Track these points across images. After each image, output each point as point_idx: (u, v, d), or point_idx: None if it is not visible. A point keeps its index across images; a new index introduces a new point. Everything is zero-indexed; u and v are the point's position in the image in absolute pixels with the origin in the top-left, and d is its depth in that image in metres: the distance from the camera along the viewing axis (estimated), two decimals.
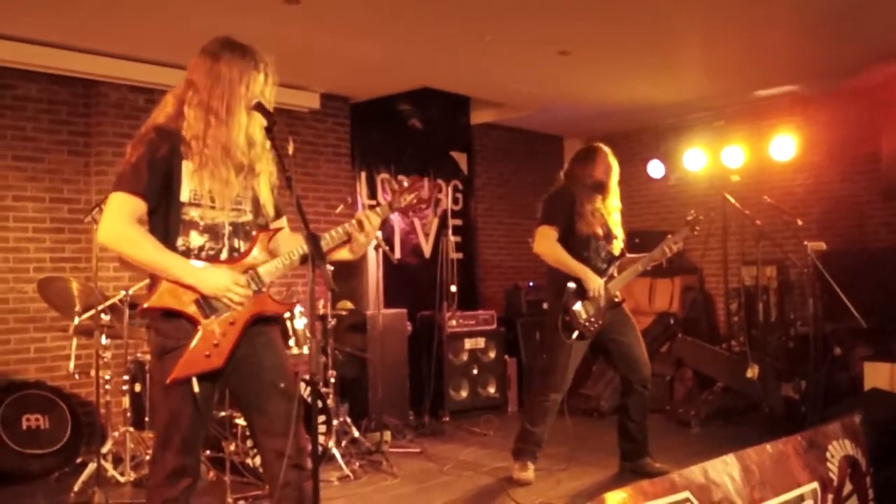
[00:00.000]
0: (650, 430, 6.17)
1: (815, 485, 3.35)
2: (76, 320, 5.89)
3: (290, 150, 3.37)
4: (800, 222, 7.16)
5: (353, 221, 3.55)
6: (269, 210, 3.51)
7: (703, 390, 8.22)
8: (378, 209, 3.65)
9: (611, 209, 6.02)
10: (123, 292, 5.83)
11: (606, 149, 6.10)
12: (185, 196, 3.28)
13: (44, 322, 7.00)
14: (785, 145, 8.83)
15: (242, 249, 3.39)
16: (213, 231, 3.33)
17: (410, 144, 9.66)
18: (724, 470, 3.09)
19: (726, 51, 7.65)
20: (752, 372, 7.38)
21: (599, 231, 5.87)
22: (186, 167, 3.27)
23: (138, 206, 3.21)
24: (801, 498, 3.29)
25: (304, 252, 3.40)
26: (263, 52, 3.52)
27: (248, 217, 3.44)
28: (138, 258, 3.22)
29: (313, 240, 3.14)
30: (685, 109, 9.76)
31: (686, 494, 2.91)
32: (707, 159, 9.32)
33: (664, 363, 8.81)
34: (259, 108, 3.31)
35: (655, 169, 9.86)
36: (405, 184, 3.77)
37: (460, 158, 10.26)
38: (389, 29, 6.83)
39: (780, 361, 7.90)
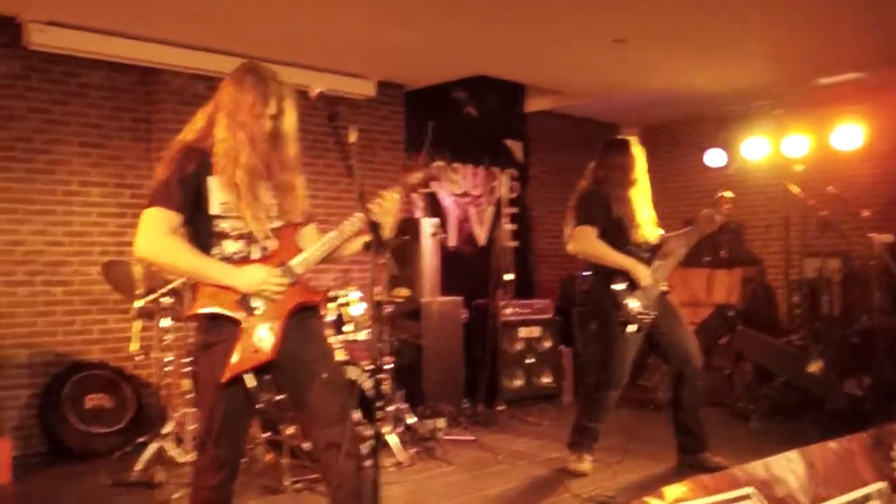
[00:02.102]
0: (709, 423, 6.11)
1: (882, 484, 3.28)
2: (138, 303, 5.97)
3: (353, 138, 3.38)
4: (865, 213, 7.02)
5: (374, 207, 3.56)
6: (297, 218, 3.59)
7: (762, 384, 8.11)
8: (392, 188, 3.66)
9: (643, 198, 5.91)
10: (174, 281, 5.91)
11: (627, 137, 6.08)
12: (214, 209, 3.39)
13: (107, 304, 7.11)
14: (850, 134, 8.65)
15: (273, 248, 3.48)
16: (245, 238, 3.44)
17: (465, 132, 9.64)
18: (788, 466, 3.05)
19: (788, 37, 7.52)
20: (815, 367, 7.26)
21: (637, 222, 5.79)
22: (213, 182, 3.38)
23: (173, 219, 3.32)
24: (867, 497, 3.22)
25: (335, 237, 3.51)
26: (283, 80, 3.56)
27: (278, 223, 3.52)
28: (177, 266, 3.39)
29: (375, 228, 3.17)
30: (746, 97, 9.60)
31: (749, 490, 2.87)
32: (768, 148, 9.18)
33: (723, 356, 8.70)
34: (322, 98, 3.36)
35: (714, 158, 9.73)
36: (418, 162, 3.80)
37: (515, 147, 10.23)
38: (445, 16, 6.81)
39: (844, 356, 7.74)
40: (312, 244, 3.55)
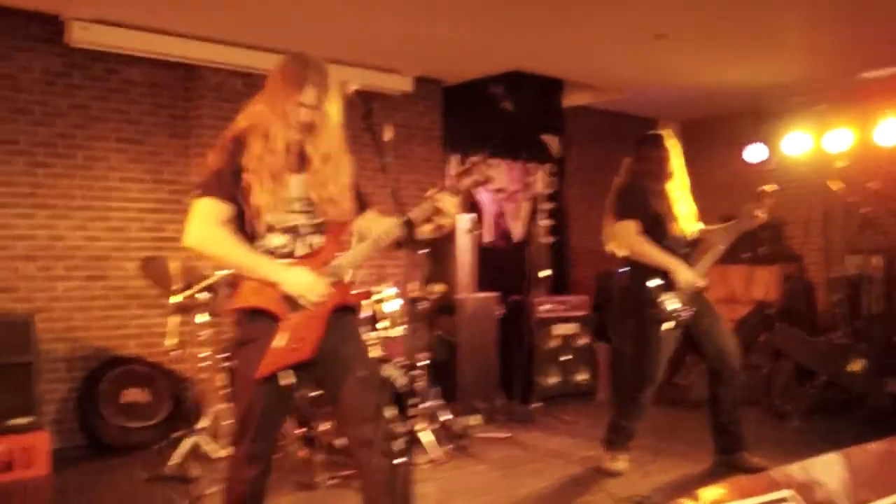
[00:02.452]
0: (747, 423, 6.04)
1: None
2: (175, 298, 6.01)
3: (389, 136, 3.38)
4: None
5: (432, 206, 3.55)
6: (347, 206, 3.57)
7: (802, 383, 8.01)
8: (444, 190, 3.63)
9: (681, 192, 5.86)
10: (221, 272, 5.91)
11: (663, 131, 6.00)
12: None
13: (144, 299, 7.17)
14: (893, 129, 8.53)
15: (318, 245, 3.47)
16: (291, 231, 3.44)
17: (502, 128, 9.60)
18: (828, 468, 3.00)
19: (830, 30, 7.40)
20: (856, 365, 7.16)
21: (675, 218, 5.74)
22: None
23: (223, 209, 3.34)
24: None
25: (380, 239, 3.49)
26: (328, 72, 3.51)
27: (325, 217, 3.51)
28: (225, 258, 3.41)
29: (408, 225, 3.16)
30: (787, 92, 9.48)
31: (787, 492, 2.83)
32: (809, 144, 9.07)
33: (761, 354, 8.60)
34: (358, 95, 3.36)
35: (754, 153, 9.66)
36: (467, 166, 3.76)
37: (552, 142, 10.18)
38: (482, 11, 6.79)
39: (886, 354, 7.63)
40: (375, 234, 3.53)
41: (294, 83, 3.41)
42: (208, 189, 3.35)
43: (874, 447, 3.20)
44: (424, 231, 3.59)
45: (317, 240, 3.48)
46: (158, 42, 7.04)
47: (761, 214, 5.82)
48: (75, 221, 6.90)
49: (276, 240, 3.41)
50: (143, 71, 7.26)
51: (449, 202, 3.55)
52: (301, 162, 3.46)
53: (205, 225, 3.31)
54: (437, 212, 3.54)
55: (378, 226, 3.61)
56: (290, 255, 3.41)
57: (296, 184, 3.44)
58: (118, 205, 7.13)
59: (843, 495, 2.95)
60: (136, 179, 7.23)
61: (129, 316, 7.17)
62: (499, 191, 9.66)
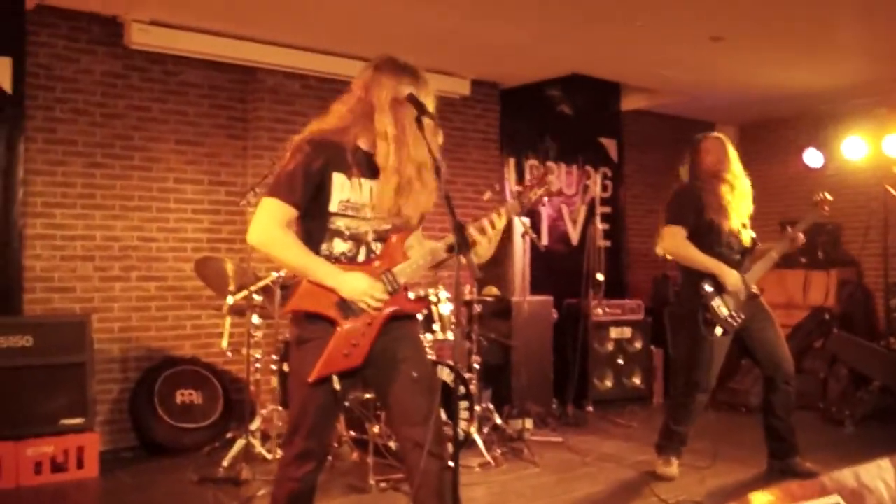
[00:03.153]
0: (801, 428, 5.99)
1: None
2: (230, 299, 6.08)
3: (440, 139, 3.38)
4: None
5: (481, 223, 3.52)
6: (415, 223, 3.56)
7: (858, 389, 7.92)
8: (506, 207, 3.63)
9: (739, 198, 5.78)
10: (276, 274, 5.96)
11: (717, 135, 5.95)
12: (334, 207, 3.37)
13: (200, 300, 7.23)
14: None
15: (378, 251, 3.46)
16: (356, 239, 3.43)
17: (559, 131, 9.59)
18: (878, 475, 2.97)
19: (889, 32, 7.27)
20: None
21: (729, 223, 5.68)
22: (338, 178, 3.36)
23: (290, 213, 3.33)
24: None
25: (442, 251, 3.48)
26: (423, 72, 3.53)
27: (390, 225, 3.49)
28: (285, 260, 3.40)
29: (459, 229, 3.16)
30: (845, 95, 9.36)
31: (836, 499, 2.82)
32: (868, 148, 8.96)
33: (818, 359, 8.52)
34: (411, 99, 3.34)
35: (812, 158, 9.56)
36: (532, 179, 3.74)
37: (610, 145, 10.14)
38: (539, 14, 6.78)
39: None
40: (417, 252, 3.53)
41: (392, 87, 3.41)
42: (279, 190, 3.34)
43: None
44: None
45: (378, 247, 3.47)
46: (216, 44, 7.12)
47: (800, 239, 5.81)
48: (132, 222, 6.98)
49: (341, 246, 3.41)
50: (200, 73, 7.34)
51: (497, 222, 3.54)
52: (376, 168, 3.42)
53: (268, 225, 3.32)
54: (482, 231, 3.51)
55: (419, 245, 3.60)
56: (352, 260, 3.41)
57: (370, 189, 3.42)
58: (175, 206, 7.20)
59: (892, 502, 2.92)
60: (192, 181, 7.29)
61: (183, 317, 7.24)
62: (557, 194, 9.64)
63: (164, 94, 7.16)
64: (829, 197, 5.88)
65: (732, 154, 5.83)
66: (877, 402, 7.69)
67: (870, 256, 9.49)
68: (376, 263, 3.42)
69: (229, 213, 7.39)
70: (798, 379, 5.95)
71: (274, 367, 6.33)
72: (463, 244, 3.16)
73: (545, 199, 3.84)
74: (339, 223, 3.39)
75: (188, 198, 7.27)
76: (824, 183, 9.45)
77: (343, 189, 3.36)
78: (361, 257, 3.43)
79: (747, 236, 5.81)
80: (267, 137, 7.49)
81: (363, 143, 3.42)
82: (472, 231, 3.49)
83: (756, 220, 5.92)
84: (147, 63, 7.06)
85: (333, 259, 3.38)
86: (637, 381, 8.79)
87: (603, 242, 8.76)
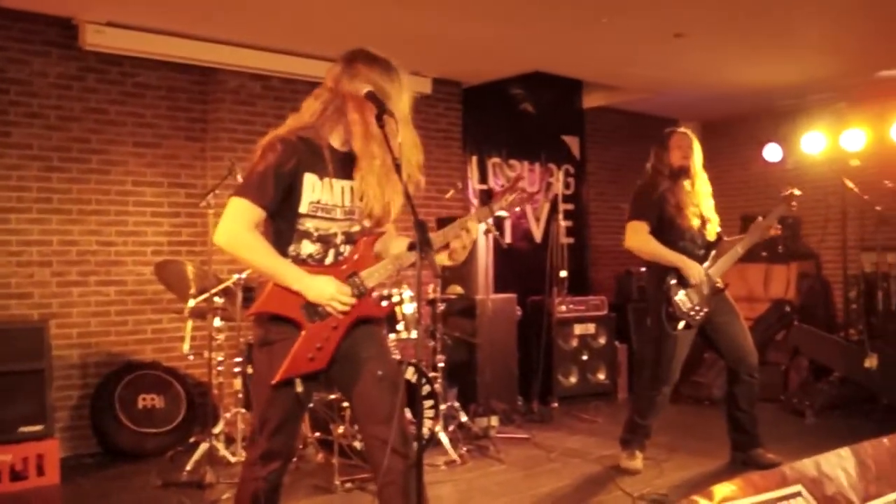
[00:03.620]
0: (763, 419, 6.07)
1: None
2: (191, 303, 6.02)
3: (400, 138, 3.34)
4: None
5: (458, 227, 3.52)
6: (384, 227, 3.54)
7: (818, 380, 8.03)
8: (477, 213, 3.63)
9: (701, 193, 5.85)
10: (237, 276, 5.92)
11: (684, 130, 6.00)
12: (304, 208, 3.33)
13: (160, 304, 7.15)
14: None
15: (347, 254, 3.44)
16: (325, 240, 3.39)
17: (522, 129, 9.61)
18: (839, 463, 2.99)
19: (850, 29, 7.36)
20: (871, 362, 7.17)
21: (693, 218, 5.73)
22: (309, 179, 3.32)
23: (258, 215, 3.28)
24: None
25: (402, 260, 3.46)
26: (398, 63, 3.48)
27: (359, 227, 3.47)
28: (252, 263, 3.35)
29: (421, 227, 3.13)
30: (804, 91, 9.46)
31: (798, 488, 2.83)
32: (826, 143, 9.07)
33: (779, 351, 8.62)
34: (370, 96, 3.28)
35: (772, 152, 9.66)
36: (505, 185, 3.74)
37: (572, 142, 10.17)
38: (502, 12, 6.78)
39: None
40: (394, 253, 3.51)
41: (390, 81, 3.38)
42: (248, 190, 3.28)
43: (885, 442, 3.18)
44: (440, 259, 3.54)
45: (346, 249, 3.44)
46: (174, 45, 7.04)
47: (774, 226, 5.84)
48: (90, 226, 6.88)
49: (309, 247, 3.38)
50: (159, 74, 7.26)
51: (474, 227, 3.52)
52: (349, 168, 3.40)
53: (236, 226, 3.26)
54: (459, 237, 3.51)
55: (393, 242, 3.59)
56: (320, 262, 3.38)
57: (342, 190, 3.40)
58: (133, 209, 7.11)
59: (852, 490, 2.94)
60: (151, 183, 7.21)
61: (144, 321, 7.16)
62: (528, 199, 9.64)
63: (121, 96, 7.07)
64: (796, 192, 5.93)
65: (697, 150, 5.87)
66: (837, 392, 7.79)
67: (828, 249, 9.61)
68: (344, 267, 3.40)
69: (189, 215, 7.32)
70: (760, 371, 6.00)
71: (237, 369, 6.28)
72: (425, 242, 3.14)
73: (516, 208, 3.82)
74: (309, 224, 3.35)
75: (147, 201, 7.19)
76: (784, 177, 9.59)
77: (314, 190, 3.33)
78: (329, 259, 3.40)
79: (712, 231, 5.86)
80: (227, 139, 7.43)
81: (336, 141, 3.39)
82: (455, 245, 3.50)
83: (717, 215, 5.97)
84: (103, 65, 6.96)
85: (301, 261, 3.35)
86: (601, 376, 8.82)
87: (566, 239, 8.81)
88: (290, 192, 3.30)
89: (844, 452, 3.04)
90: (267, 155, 3.28)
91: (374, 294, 3.55)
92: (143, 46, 6.94)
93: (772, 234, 5.92)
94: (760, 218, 5.95)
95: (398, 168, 3.21)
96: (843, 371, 7.81)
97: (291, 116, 3.45)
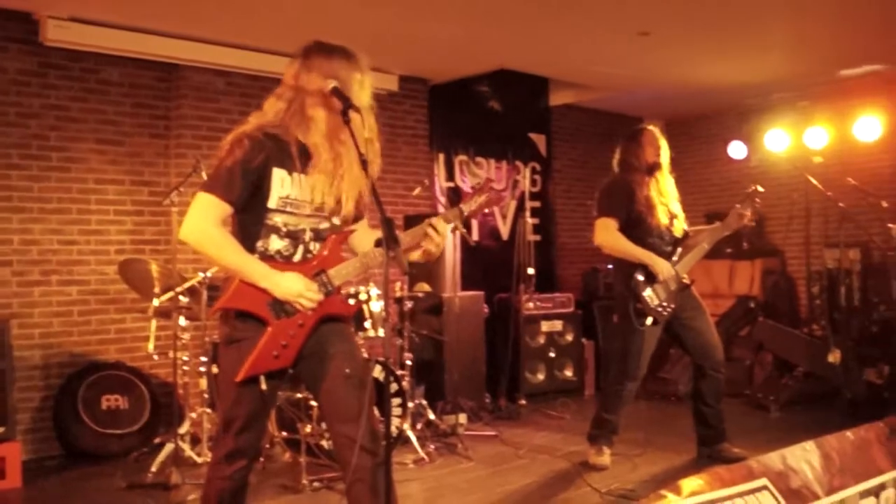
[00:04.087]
0: (729, 414, 6.11)
1: None
2: (155, 302, 5.97)
3: (367, 133, 3.32)
4: (885, 204, 6.96)
5: (426, 227, 3.50)
6: (353, 214, 3.51)
7: (783, 375, 8.10)
8: (446, 214, 3.62)
9: (667, 189, 5.89)
10: (202, 274, 5.88)
11: (652, 128, 6.03)
12: (273, 203, 3.30)
13: (124, 303, 7.08)
14: (870, 126, 8.70)
15: (316, 251, 3.41)
16: (293, 237, 3.36)
17: (488, 126, 9.62)
18: (803, 457, 3.02)
19: (812, 29, 7.43)
20: (834, 356, 7.23)
21: (660, 214, 5.76)
22: (278, 174, 3.29)
23: (225, 210, 3.25)
24: (883, 486, 3.20)
25: (369, 260, 3.43)
26: (360, 54, 3.45)
27: (329, 224, 3.44)
28: (219, 258, 3.28)
29: (388, 224, 3.11)
30: (768, 89, 9.55)
31: (763, 481, 2.85)
32: (790, 140, 9.15)
33: (744, 347, 8.70)
34: (335, 92, 3.26)
35: (736, 150, 9.73)
36: (475, 186, 3.73)
37: (539, 140, 10.19)
38: (468, 10, 6.77)
39: (863, 346, 7.70)
40: (364, 249, 3.49)
41: (354, 71, 3.36)
42: (215, 186, 3.24)
43: (848, 435, 3.22)
44: (412, 256, 3.56)
45: (314, 246, 3.41)
46: (138, 41, 6.96)
47: (749, 215, 5.88)
48: (51, 225, 6.78)
49: (277, 243, 3.34)
50: (122, 71, 7.17)
51: (440, 226, 3.50)
52: (308, 162, 3.35)
53: (202, 222, 3.22)
54: (428, 236, 3.48)
55: (367, 238, 3.55)
56: (288, 259, 3.35)
57: (308, 185, 3.35)
58: (96, 207, 7.02)
59: (816, 482, 2.97)
60: (114, 181, 7.12)
61: (107, 321, 7.07)
62: (497, 202, 9.62)
63: (82, 92, 6.98)
64: (760, 189, 5.97)
65: (665, 147, 5.90)
66: (801, 387, 7.87)
67: (792, 246, 9.69)
68: (313, 264, 3.37)
69: (153, 213, 7.25)
70: (725, 367, 6.04)
71: (202, 369, 6.22)
72: (391, 239, 3.12)
73: (486, 209, 3.82)
74: (277, 220, 3.32)
75: (110, 199, 7.10)
76: (748, 175, 9.67)
77: (283, 185, 3.30)
78: (298, 256, 3.37)
79: (679, 227, 5.89)
80: (191, 136, 7.37)
81: (302, 136, 3.35)
82: (427, 246, 3.48)
83: (684, 212, 6.00)
84: (65, 60, 6.86)
85: (268, 257, 3.31)
86: (568, 373, 8.85)
87: (533, 237, 8.80)
88: (259, 188, 3.27)
89: (809, 446, 3.07)
90: (234, 150, 3.25)
91: (342, 292, 3.52)
92: (105, 42, 6.84)
93: (745, 223, 5.94)
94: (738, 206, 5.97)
95: (364, 164, 3.19)
96: (807, 366, 7.89)
97: (254, 115, 3.41)
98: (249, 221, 3.32)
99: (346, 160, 3.33)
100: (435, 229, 3.48)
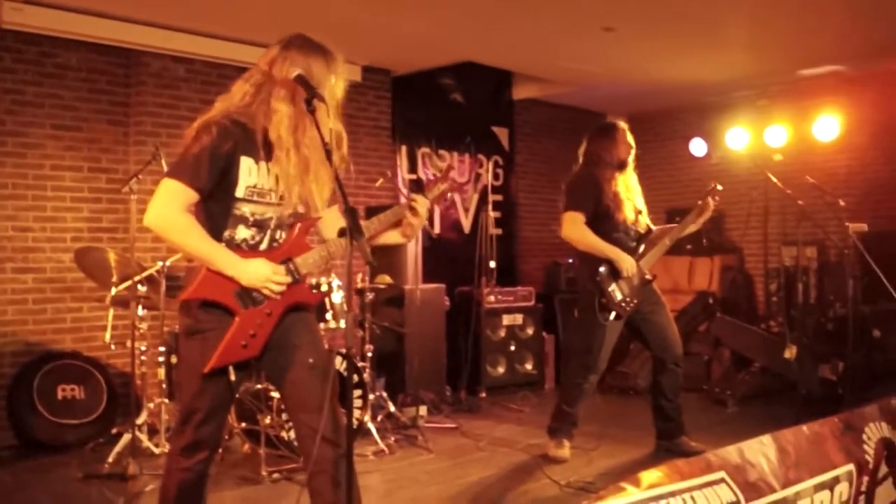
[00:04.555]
0: (687, 408, 6.16)
1: (850, 467, 3.30)
2: (113, 291, 5.92)
3: (332, 124, 3.31)
4: (842, 203, 7.02)
5: (407, 205, 3.53)
6: (320, 203, 3.47)
7: (740, 370, 8.18)
8: (422, 196, 3.61)
9: (633, 185, 5.95)
10: (160, 263, 5.83)
11: (624, 125, 6.06)
12: (240, 192, 3.27)
13: (80, 292, 7.01)
14: (828, 125, 8.82)
15: (282, 240, 3.40)
16: (259, 225, 3.34)
17: (452, 119, 9.62)
18: (760, 450, 3.04)
19: (773, 29, 7.52)
20: (790, 353, 7.32)
21: (626, 210, 5.81)
22: (245, 163, 3.26)
23: (191, 197, 3.20)
24: (837, 479, 3.24)
25: (336, 248, 3.43)
26: (336, 50, 3.46)
27: (292, 210, 3.42)
28: (184, 246, 3.24)
29: (351, 214, 3.11)
30: (729, 88, 9.66)
31: (721, 474, 2.87)
32: (750, 138, 9.25)
33: (702, 342, 8.77)
34: (300, 80, 3.24)
35: (698, 147, 9.81)
36: (436, 174, 3.75)
37: (502, 134, 10.21)
38: (433, 1, 6.77)
39: (818, 343, 7.79)
40: (331, 236, 3.48)
41: (325, 66, 3.36)
42: (181, 172, 3.19)
43: (804, 429, 3.25)
44: (392, 237, 3.60)
45: (280, 234, 3.40)
46: (96, 25, 6.86)
47: (712, 204, 5.92)
48: (6, 211, 6.69)
49: (244, 232, 3.31)
50: (80, 55, 7.08)
51: (422, 204, 3.52)
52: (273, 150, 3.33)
53: (168, 208, 3.18)
54: (413, 211, 3.52)
55: (336, 223, 3.52)
56: (254, 248, 3.33)
57: (272, 174, 3.32)
58: (52, 194, 6.94)
59: (773, 475, 3.00)
60: (71, 168, 7.04)
61: (63, 309, 7.00)
62: (457, 189, 9.65)
63: (39, 76, 6.88)
64: (718, 187, 6.01)
65: (631, 142, 5.94)
66: (758, 382, 7.96)
67: (751, 243, 9.81)
68: (280, 252, 3.35)
69: (111, 201, 7.18)
70: (683, 361, 6.09)
71: (161, 359, 6.18)
72: (355, 229, 3.11)
73: (447, 195, 3.84)
74: (245, 209, 3.29)
75: (67, 185, 7.02)
76: (709, 172, 9.74)
77: (251, 174, 3.27)
78: (264, 245, 3.35)
79: (643, 223, 5.94)
80: (150, 123, 7.29)
81: (267, 125, 3.31)
82: (410, 219, 3.53)
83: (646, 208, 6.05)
84: (21, 44, 6.77)
85: (235, 245, 3.29)
86: (529, 366, 8.88)
87: (495, 230, 8.83)
88: (225, 176, 3.23)
89: (766, 440, 3.09)
90: (201, 137, 3.21)
91: (308, 281, 3.52)
92: (63, 26, 6.75)
93: (707, 214, 5.97)
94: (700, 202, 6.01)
95: (329, 154, 3.18)
96: (764, 361, 7.98)
97: (220, 98, 3.38)
98: (215, 210, 3.29)
99: (313, 163, 3.33)
100: (415, 207, 3.51)
